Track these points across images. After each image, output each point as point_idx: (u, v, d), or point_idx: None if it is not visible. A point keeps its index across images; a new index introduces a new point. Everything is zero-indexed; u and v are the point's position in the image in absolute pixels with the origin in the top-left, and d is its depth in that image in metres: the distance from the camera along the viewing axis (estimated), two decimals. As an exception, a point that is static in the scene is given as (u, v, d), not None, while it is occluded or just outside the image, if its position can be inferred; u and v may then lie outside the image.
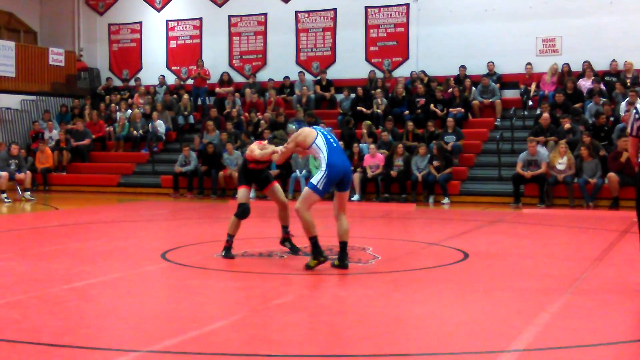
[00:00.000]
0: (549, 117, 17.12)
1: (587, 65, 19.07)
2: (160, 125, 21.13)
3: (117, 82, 25.02)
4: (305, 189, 7.75)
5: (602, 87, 18.36)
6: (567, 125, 16.68)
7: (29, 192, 17.62)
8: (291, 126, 8.09)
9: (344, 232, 7.71)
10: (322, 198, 7.67)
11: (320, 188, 7.55)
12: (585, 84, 18.73)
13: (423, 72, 20.90)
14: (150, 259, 8.58)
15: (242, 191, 8.62)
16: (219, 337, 5.25)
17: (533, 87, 19.59)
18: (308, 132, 7.82)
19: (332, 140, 7.79)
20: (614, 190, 15.14)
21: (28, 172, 18.04)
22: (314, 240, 7.58)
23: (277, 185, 8.94)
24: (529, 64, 19.92)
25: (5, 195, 16.92)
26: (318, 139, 7.72)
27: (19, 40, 24.28)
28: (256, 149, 8.51)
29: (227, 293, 6.75)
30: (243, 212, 8.50)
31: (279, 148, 8.19)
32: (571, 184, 15.52)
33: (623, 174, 15.04)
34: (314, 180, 7.62)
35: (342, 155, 7.79)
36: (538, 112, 18.23)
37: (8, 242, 10.65)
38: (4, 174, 17.21)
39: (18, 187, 17.75)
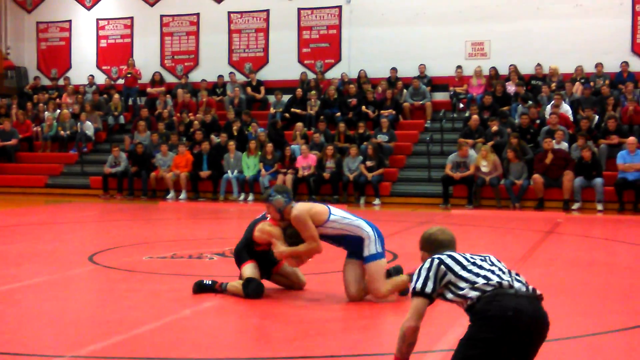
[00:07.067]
0: (478, 118, 17.45)
1: (513, 69, 19.52)
2: (89, 128, 20.79)
3: (46, 82, 24.52)
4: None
5: (528, 90, 18.85)
6: (495, 128, 17.02)
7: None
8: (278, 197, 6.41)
9: None
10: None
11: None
12: (511, 87, 19.16)
13: (363, 71, 20.98)
14: (77, 262, 8.45)
15: (249, 267, 6.58)
16: (146, 341, 5.21)
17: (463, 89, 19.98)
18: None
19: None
20: (539, 192, 15.52)
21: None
22: None
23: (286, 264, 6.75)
24: (459, 67, 20.26)
25: None
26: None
27: (-58, 37, 23.61)
28: (278, 239, 6.41)
29: (155, 296, 6.69)
30: (256, 288, 6.43)
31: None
32: (497, 185, 15.84)
33: (548, 175, 15.47)
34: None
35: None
36: (467, 114, 18.56)
37: None
38: None
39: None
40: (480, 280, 3.73)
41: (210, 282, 6.62)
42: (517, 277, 3.83)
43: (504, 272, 3.82)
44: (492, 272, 3.80)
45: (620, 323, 5.76)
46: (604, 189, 15.18)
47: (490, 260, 3.94)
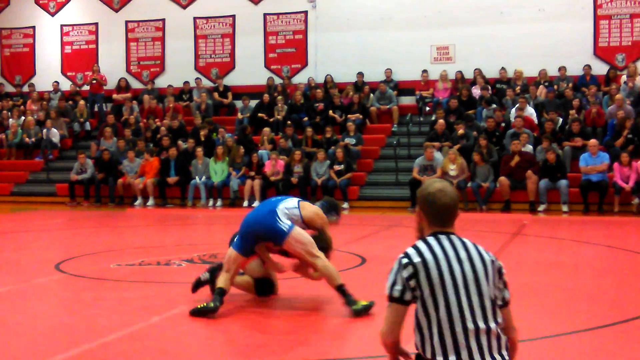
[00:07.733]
0: (444, 122, 17.59)
1: (478, 72, 19.70)
2: (55, 135, 20.60)
3: (10, 88, 24.28)
4: None
5: (493, 93, 19.06)
6: (461, 131, 17.17)
7: None
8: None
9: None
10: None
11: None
12: (477, 91, 19.34)
13: (330, 75, 21.04)
14: (44, 271, 8.37)
15: (252, 262, 6.53)
16: (113, 349, 5.18)
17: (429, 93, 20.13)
18: None
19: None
20: (505, 194, 15.67)
21: None
22: None
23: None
24: (424, 71, 20.40)
25: None
26: None
27: None
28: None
29: (123, 304, 6.65)
30: (263, 285, 6.60)
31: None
32: (464, 188, 15.97)
33: (513, 177, 15.63)
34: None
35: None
36: (433, 118, 18.69)
37: None
38: None
39: None
40: (435, 340, 3.35)
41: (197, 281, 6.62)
42: (481, 343, 3.39)
43: (466, 335, 3.35)
44: (453, 333, 3.35)
45: (585, 323, 5.85)
46: (569, 190, 15.38)
47: (471, 289, 3.48)
